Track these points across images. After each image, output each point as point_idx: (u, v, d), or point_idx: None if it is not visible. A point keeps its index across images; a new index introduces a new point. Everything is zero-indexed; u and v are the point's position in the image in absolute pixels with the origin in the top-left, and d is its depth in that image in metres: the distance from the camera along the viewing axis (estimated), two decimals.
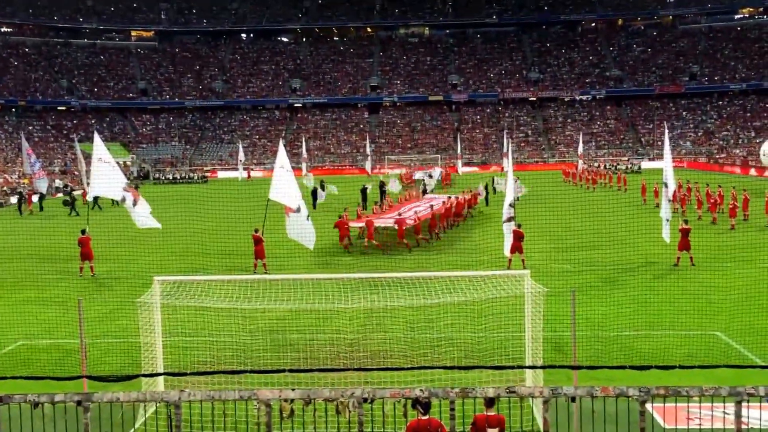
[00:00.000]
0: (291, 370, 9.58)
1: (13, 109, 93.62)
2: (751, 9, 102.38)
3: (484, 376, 12.69)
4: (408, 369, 8.82)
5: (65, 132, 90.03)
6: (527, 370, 12.79)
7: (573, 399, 7.72)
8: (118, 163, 28.08)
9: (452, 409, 9.52)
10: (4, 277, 26.06)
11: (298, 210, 23.91)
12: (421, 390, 6.94)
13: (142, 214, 24.55)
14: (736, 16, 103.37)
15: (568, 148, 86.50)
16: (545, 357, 13.28)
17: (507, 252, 24.56)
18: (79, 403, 6.50)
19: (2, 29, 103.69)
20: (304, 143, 75.32)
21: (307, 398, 6.61)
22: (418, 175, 59.31)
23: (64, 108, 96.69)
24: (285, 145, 30.31)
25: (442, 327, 15.81)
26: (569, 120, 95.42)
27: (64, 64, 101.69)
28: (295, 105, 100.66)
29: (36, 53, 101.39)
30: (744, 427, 10.93)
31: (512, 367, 12.12)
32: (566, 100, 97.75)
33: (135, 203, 24.48)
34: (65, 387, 8.58)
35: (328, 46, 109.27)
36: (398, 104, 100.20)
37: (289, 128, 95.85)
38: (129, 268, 26.61)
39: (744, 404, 7.51)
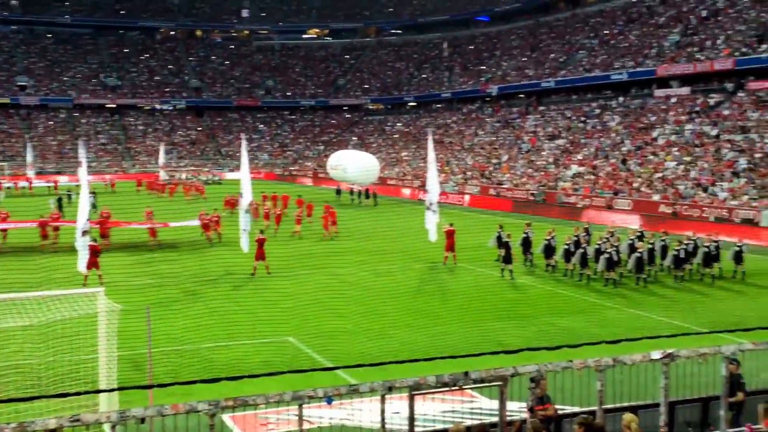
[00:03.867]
0: None
1: None
2: (318, 30, 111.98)
3: (52, 405, 11.69)
4: None
5: None
6: (101, 394, 12.10)
7: (143, 420, 7.46)
8: None
9: None
10: None
11: None
12: None
13: None
14: (304, 36, 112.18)
15: (150, 157, 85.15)
16: (122, 377, 12.73)
17: (83, 268, 23.20)
18: None
19: None
20: None
21: None
22: None
23: None
24: None
25: (6, 354, 14.24)
26: (150, 129, 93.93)
27: None
28: None
29: None
30: (310, 426, 11.72)
31: (76, 394, 11.38)
32: (146, 108, 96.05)
33: None
34: None
35: None
36: None
37: None
38: None
39: (306, 405, 8.05)
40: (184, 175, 73.60)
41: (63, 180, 63.06)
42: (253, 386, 11.52)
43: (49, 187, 59.37)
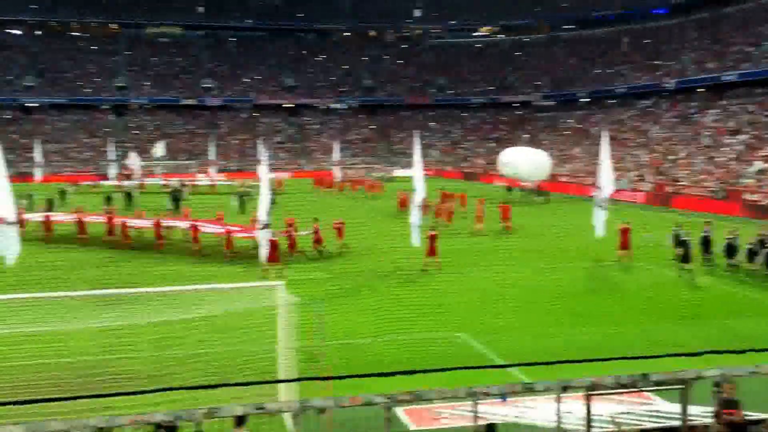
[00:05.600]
0: (11, 403, 8.36)
1: None
2: (489, 28, 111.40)
3: (234, 393, 12.24)
4: (147, 392, 8.29)
5: None
6: (280, 385, 12.54)
7: (322, 410, 7.61)
8: None
9: (199, 431, 9.03)
10: None
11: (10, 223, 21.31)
12: (164, 414, 6.44)
13: None
14: (475, 33, 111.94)
15: (325, 155, 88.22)
16: (299, 368, 13.12)
17: (264, 259, 24.45)
18: None
19: None
20: (38, 147, 69.13)
21: None
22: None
23: None
24: (13, 150, 27.64)
25: (190, 344, 15.10)
26: (325, 127, 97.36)
27: None
28: (28, 104, 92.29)
29: None
30: (483, 422, 11.58)
31: (259, 383, 11.84)
32: (322, 107, 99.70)
33: None
34: None
35: (67, 42, 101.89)
36: (148, 107, 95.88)
37: (23, 130, 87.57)
38: None
39: (480, 402, 7.93)
40: (360, 172, 75.31)
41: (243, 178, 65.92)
42: (424, 381, 11.57)
43: (229, 184, 61.98)
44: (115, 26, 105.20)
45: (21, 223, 25.47)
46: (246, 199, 45.69)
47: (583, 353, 13.60)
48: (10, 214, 21.00)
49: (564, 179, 64.54)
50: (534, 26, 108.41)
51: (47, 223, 34.08)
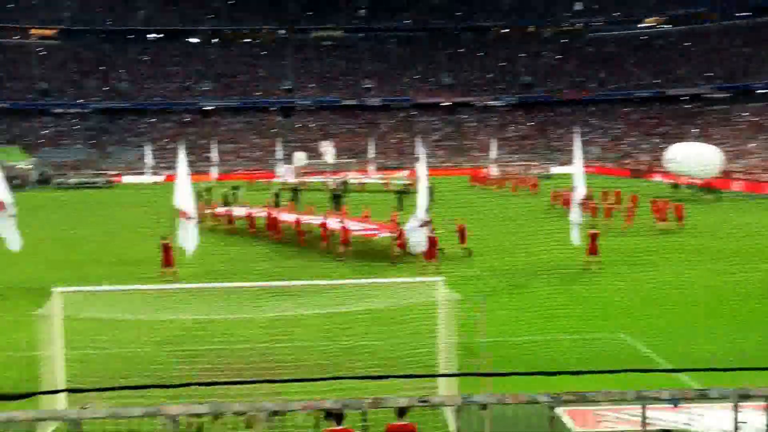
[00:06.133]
0: (197, 384, 9.23)
1: None
2: (656, 18, 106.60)
3: (396, 385, 12.56)
4: (318, 380, 8.66)
5: None
6: (440, 379, 12.73)
7: (484, 406, 7.67)
8: (12, 167, 26.78)
9: (364, 420, 9.37)
10: None
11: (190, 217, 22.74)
12: (333, 401, 6.75)
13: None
14: (640, 25, 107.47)
15: (482, 153, 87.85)
16: (459, 364, 13.23)
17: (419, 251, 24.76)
18: None
19: None
20: (215, 147, 73.76)
21: (215, 412, 6.24)
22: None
23: None
24: (192, 150, 29.68)
25: (354, 335, 15.64)
26: (482, 125, 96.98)
27: None
28: (205, 108, 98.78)
29: None
30: (651, 428, 11.23)
31: (424, 376, 12.07)
32: (479, 105, 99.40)
33: None
34: None
35: (240, 49, 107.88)
36: (312, 108, 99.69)
37: (200, 132, 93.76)
38: (23, 277, 25.22)
39: (648, 406, 7.67)
40: (517, 170, 74.38)
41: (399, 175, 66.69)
42: (585, 382, 11.36)
43: (384, 182, 62.40)
44: (283, 32, 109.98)
45: (202, 217, 26.98)
46: (403, 196, 46.28)
47: (756, 361, 12.86)
48: (191, 210, 22.73)
49: (738, 176, 60.66)
50: (703, 15, 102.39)
51: (226, 217, 36.40)
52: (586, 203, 34.64)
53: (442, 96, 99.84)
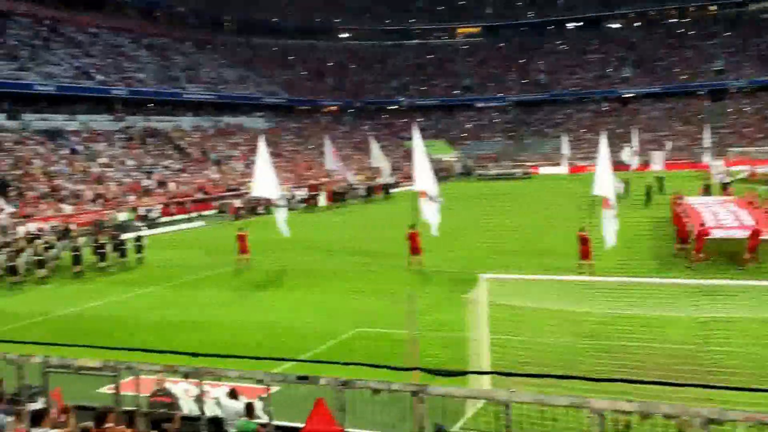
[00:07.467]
0: (626, 380, 8.29)
1: (350, 110, 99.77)
2: None
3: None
4: (762, 390, 7.12)
5: (394, 130, 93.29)
6: None
7: None
8: (439, 159, 30.08)
9: None
10: (334, 269, 27.06)
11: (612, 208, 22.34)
12: None
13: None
14: None
15: None
16: None
17: None
18: (414, 393, 7.10)
19: (342, 35, 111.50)
20: (636, 136, 68.44)
21: (644, 412, 6.26)
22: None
23: (394, 107, 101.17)
24: (612, 138, 28.22)
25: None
26: None
27: (394, 65, 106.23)
28: (625, 95, 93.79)
29: (369, 56, 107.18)
30: None
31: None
32: None
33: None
34: (399, 377, 8.44)
35: (664, 30, 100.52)
36: (746, 90, 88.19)
37: (618, 120, 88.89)
38: (449, 262, 26.65)
39: None
40: None
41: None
42: None
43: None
44: (713, 8, 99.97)
45: None
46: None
47: None
48: (613, 199, 22.36)
49: None
50: None
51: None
52: None
53: None
